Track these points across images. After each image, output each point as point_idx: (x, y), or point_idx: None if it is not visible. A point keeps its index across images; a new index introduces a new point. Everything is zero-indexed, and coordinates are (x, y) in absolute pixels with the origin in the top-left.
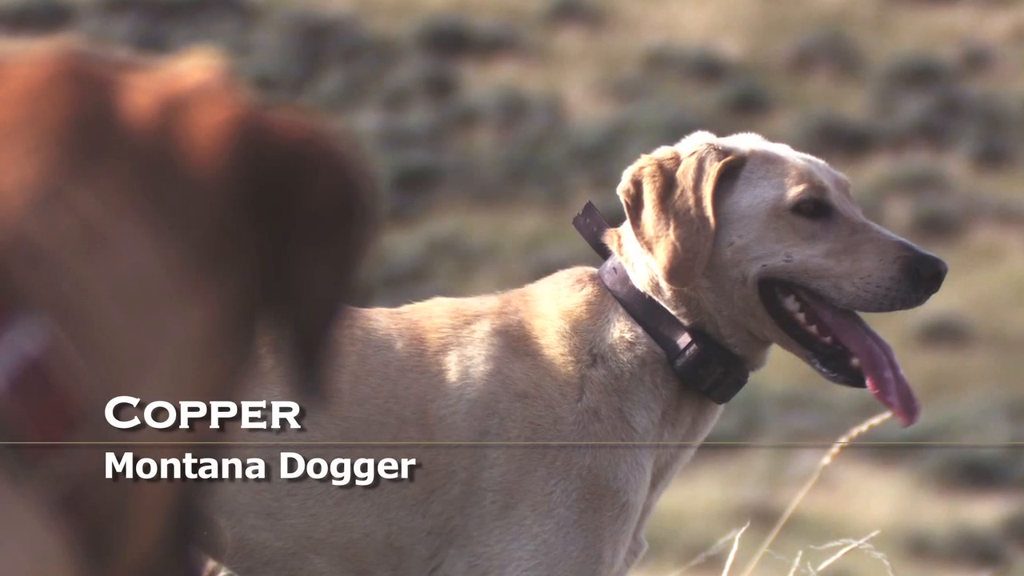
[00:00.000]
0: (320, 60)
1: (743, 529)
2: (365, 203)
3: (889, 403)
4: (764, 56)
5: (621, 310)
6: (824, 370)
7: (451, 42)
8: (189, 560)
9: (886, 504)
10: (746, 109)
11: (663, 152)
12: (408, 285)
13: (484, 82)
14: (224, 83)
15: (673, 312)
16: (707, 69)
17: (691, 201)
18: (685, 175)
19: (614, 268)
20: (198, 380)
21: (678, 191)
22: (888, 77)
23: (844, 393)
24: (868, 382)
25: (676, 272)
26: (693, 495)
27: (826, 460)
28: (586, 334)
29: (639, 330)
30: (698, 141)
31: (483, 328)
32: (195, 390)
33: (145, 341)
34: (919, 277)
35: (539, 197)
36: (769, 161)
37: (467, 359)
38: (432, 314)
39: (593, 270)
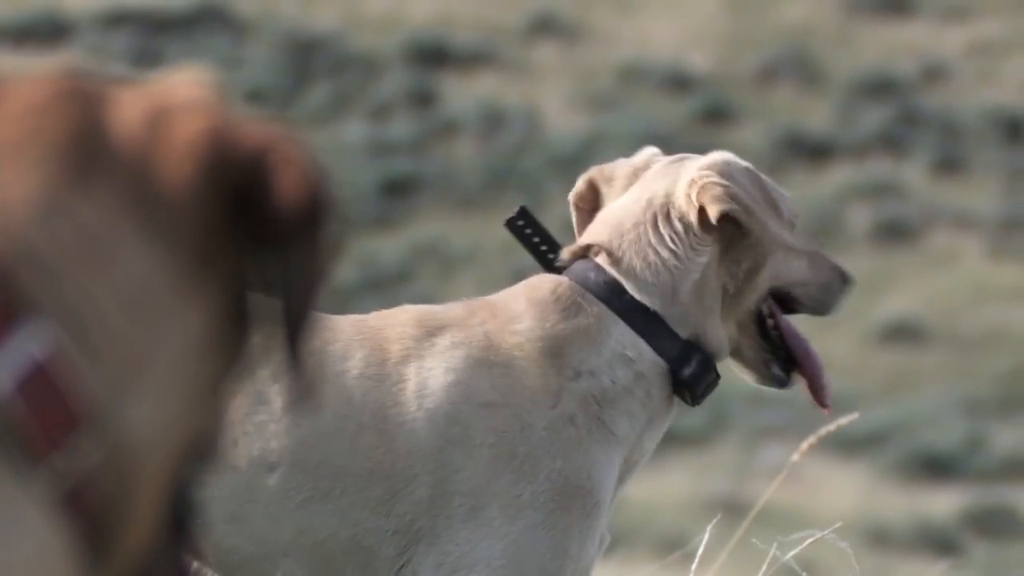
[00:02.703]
0: (308, 74)
1: (715, 521)
2: (324, 204)
3: (827, 405)
4: (731, 69)
5: (621, 326)
6: (779, 374)
7: (433, 56)
8: (182, 550)
9: (848, 496)
10: (714, 120)
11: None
12: (392, 287)
13: (464, 94)
14: (209, 96)
15: (670, 324)
16: (677, 82)
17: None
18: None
19: (604, 281)
20: (196, 378)
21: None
22: (849, 89)
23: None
24: (809, 383)
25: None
26: (663, 488)
27: (795, 457)
28: (577, 354)
29: (642, 345)
30: (652, 155)
31: (445, 340)
32: (193, 388)
33: (145, 344)
34: (846, 286)
35: (517, 203)
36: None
37: (426, 370)
38: (395, 323)
39: (567, 281)
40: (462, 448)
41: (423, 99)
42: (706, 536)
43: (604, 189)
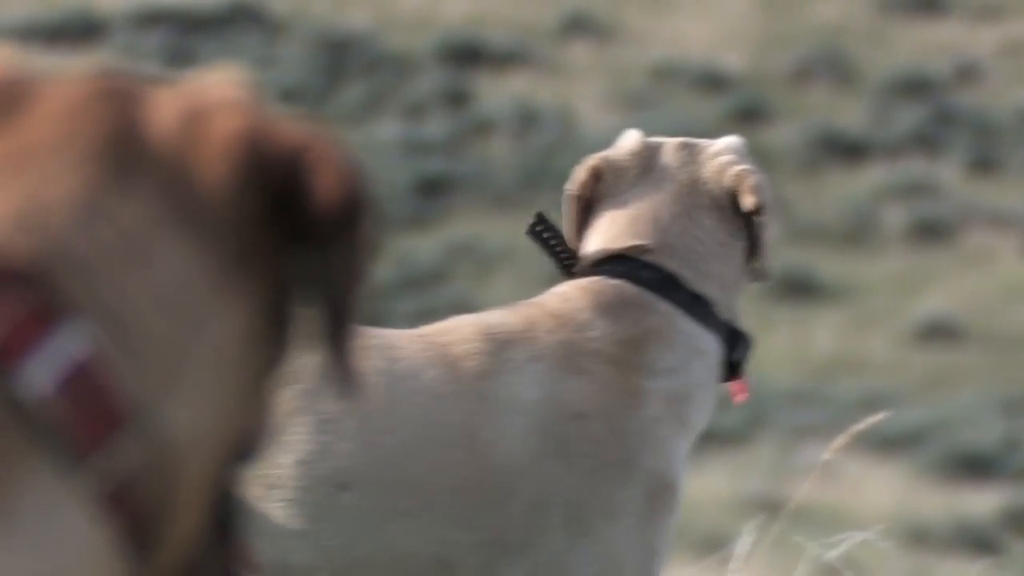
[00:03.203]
0: (342, 73)
1: (755, 521)
2: (363, 203)
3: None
4: (765, 68)
5: (687, 320)
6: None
7: (467, 56)
8: (228, 550)
9: (886, 495)
10: (748, 119)
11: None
12: (428, 287)
13: (499, 93)
14: (244, 96)
15: (718, 310)
16: (711, 81)
17: None
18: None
19: (661, 278)
20: (237, 378)
21: None
22: (884, 89)
23: (844, 389)
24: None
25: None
26: (702, 487)
27: (826, 455)
28: (653, 354)
29: (709, 336)
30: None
31: (520, 354)
32: (234, 388)
33: (185, 344)
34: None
35: (552, 202)
36: None
37: (510, 385)
38: (460, 338)
39: (619, 283)
40: (558, 461)
41: (457, 98)
42: (746, 536)
43: (611, 179)
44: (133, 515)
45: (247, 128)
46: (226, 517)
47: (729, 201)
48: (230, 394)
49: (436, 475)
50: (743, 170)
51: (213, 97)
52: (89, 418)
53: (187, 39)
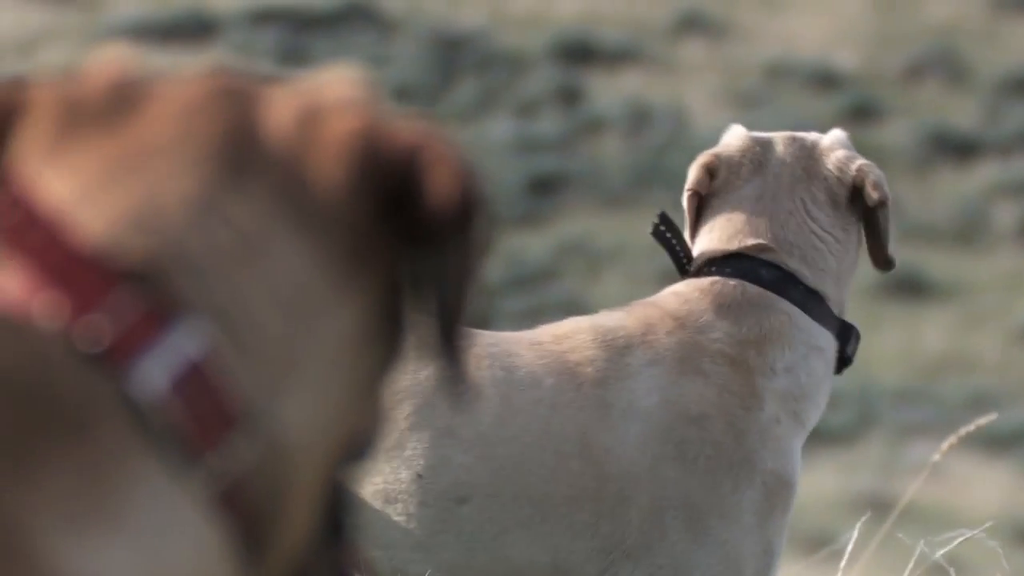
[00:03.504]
0: (455, 71)
1: (864, 519)
2: (477, 202)
3: None
4: (878, 67)
5: (806, 318)
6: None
7: (579, 54)
8: (341, 552)
9: (994, 494)
10: (860, 117)
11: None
12: (538, 285)
13: (610, 91)
14: (359, 94)
15: (832, 304)
16: (823, 79)
17: None
18: None
19: (779, 278)
20: (351, 378)
21: None
22: (996, 87)
23: (953, 388)
24: None
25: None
26: (810, 486)
27: (936, 456)
28: (773, 353)
29: (827, 333)
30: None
31: (638, 358)
32: (348, 388)
33: (299, 344)
34: None
35: (663, 201)
36: None
37: (629, 391)
38: (578, 344)
39: (739, 283)
40: (679, 464)
41: (569, 96)
42: (855, 534)
43: (724, 176)
44: (246, 516)
45: (362, 128)
46: (338, 517)
47: (845, 196)
48: (343, 394)
49: (554, 485)
50: (865, 164)
51: (328, 96)
52: (203, 418)
53: (300, 37)
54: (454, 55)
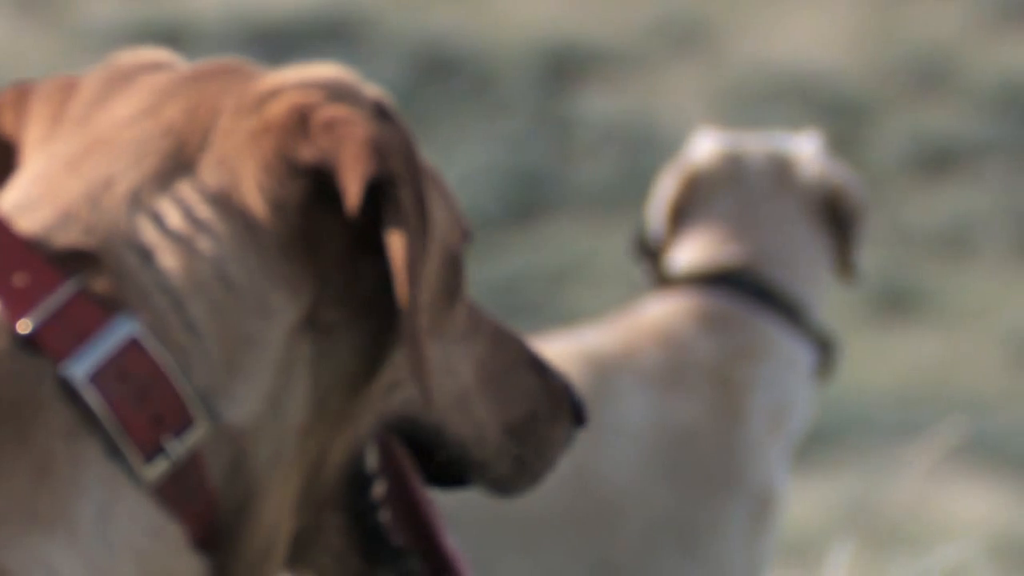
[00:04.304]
0: (432, 86)
1: (848, 531)
2: (396, 167)
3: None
4: (861, 73)
5: (785, 333)
6: None
7: (560, 63)
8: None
9: (981, 504)
10: (843, 124)
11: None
12: (509, 292)
13: (596, 104)
14: (304, 81)
15: (813, 312)
16: (811, 90)
17: None
18: None
19: (760, 291)
20: (310, 371)
21: None
22: (985, 96)
23: (939, 397)
24: None
25: None
26: (797, 494)
27: (921, 465)
28: (757, 369)
29: (809, 347)
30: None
31: (624, 380)
32: (309, 380)
33: (243, 334)
34: None
35: (639, 209)
36: None
37: (616, 413)
38: (561, 365)
39: (720, 299)
40: (667, 483)
41: (549, 108)
42: (838, 547)
43: (700, 187)
44: (201, 506)
45: (285, 116)
46: (367, 537)
47: (823, 205)
48: (302, 388)
49: (545, 510)
50: (839, 171)
51: (273, 86)
52: (144, 408)
53: (275, 52)
54: (432, 70)
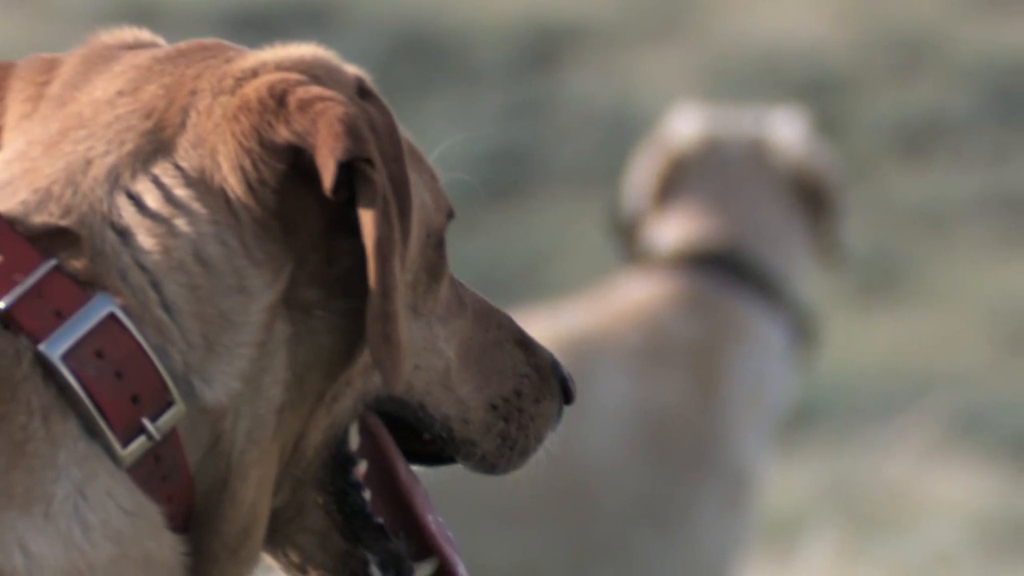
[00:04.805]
0: (402, 64)
1: (829, 509)
2: (364, 140)
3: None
4: (838, 50)
5: (764, 312)
6: None
7: (536, 41)
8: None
9: (961, 483)
10: (820, 100)
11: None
12: (484, 266)
13: (576, 89)
14: (282, 61)
15: (794, 290)
16: (784, 70)
17: None
18: None
19: (738, 271)
20: (288, 349)
21: None
22: (959, 76)
23: (921, 375)
24: None
25: None
26: (777, 478)
27: (909, 444)
28: (736, 347)
29: (784, 324)
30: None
31: (601, 359)
32: (287, 360)
33: (219, 313)
34: None
35: (613, 188)
36: None
37: (593, 392)
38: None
39: (697, 278)
40: (644, 463)
41: (525, 90)
42: (818, 525)
43: (680, 167)
44: (177, 484)
45: (257, 99)
46: (349, 517)
47: (801, 187)
48: (281, 367)
49: (523, 489)
50: (818, 150)
51: (255, 63)
52: (121, 387)
53: (245, 35)
54: (404, 49)
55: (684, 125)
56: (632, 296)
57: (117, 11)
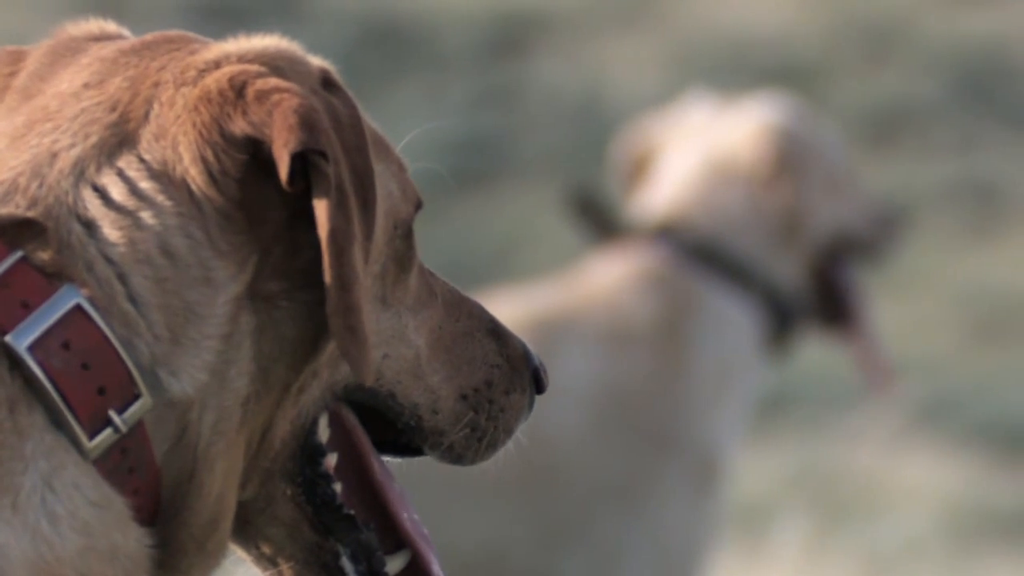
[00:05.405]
0: (369, 54)
1: (799, 497)
2: (320, 127)
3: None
4: (809, 38)
5: (729, 291)
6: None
7: (505, 28)
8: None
9: (928, 470)
10: (789, 87)
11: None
12: (453, 251)
13: (545, 77)
14: (244, 53)
15: (765, 271)
16: (755, 53)
17: None
18: None
19: (701, 250)
20: (253, 341)
21: None
22: (925, 63)
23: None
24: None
25: None
26: (749, 460)
27: (878, 432)
28: (699, 325)
29: (751, 305)
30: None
31: (566, 338)
32: (252, 347)
33: (184, 304)
34: None
35: (581, 172)
36: None
37: (559, 372)
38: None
39: (661, 257)
40: (610, 444)
41: (492, 79)
42: (788, 514)
43: (649, 149)
44: (144, 475)
45: (216, 91)
46: (319, 509)
47: (759, 167)
48: (247, 359)
49: (490, 471)
50: (767, 135)
51: (218, 55)
52: (88, 379)
53: (211, 26)
54: (372, 41)
55: (698, 111)
56: (597, 277)
57: (84, 2)
